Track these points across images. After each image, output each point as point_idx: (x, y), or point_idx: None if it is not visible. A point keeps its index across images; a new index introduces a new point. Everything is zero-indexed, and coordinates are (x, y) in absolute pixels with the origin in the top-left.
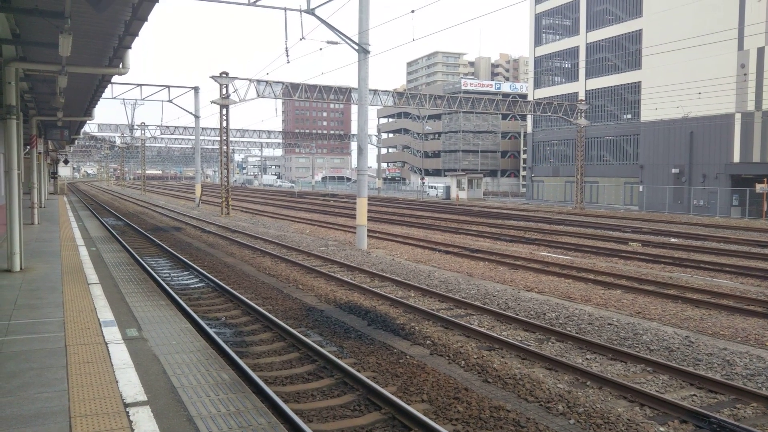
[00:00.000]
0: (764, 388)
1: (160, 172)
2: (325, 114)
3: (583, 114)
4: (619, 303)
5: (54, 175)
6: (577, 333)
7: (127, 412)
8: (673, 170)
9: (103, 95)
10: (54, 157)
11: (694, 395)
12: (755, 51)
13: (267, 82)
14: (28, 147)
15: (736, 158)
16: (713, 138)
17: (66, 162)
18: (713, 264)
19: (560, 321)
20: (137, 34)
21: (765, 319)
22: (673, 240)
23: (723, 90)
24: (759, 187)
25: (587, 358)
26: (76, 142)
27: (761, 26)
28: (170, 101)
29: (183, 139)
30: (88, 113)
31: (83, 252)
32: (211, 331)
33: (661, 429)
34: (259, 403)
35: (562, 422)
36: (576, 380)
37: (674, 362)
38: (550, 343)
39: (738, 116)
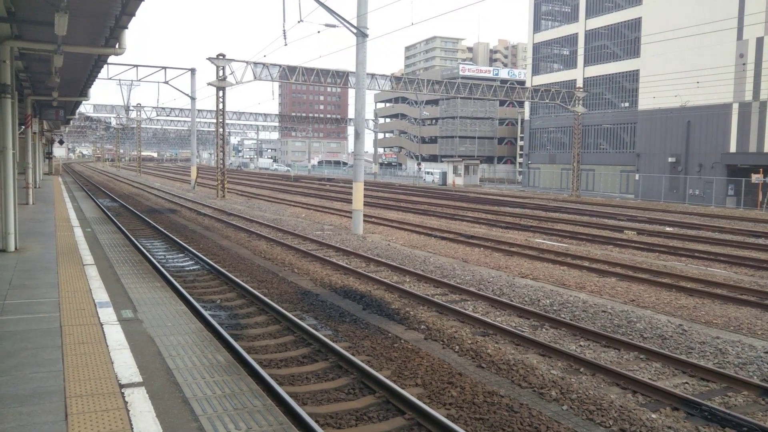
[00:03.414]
0: (755, 377)
1: (156, 154)
2: (322, 98)
3: (580, 101)
4: (614, 290)
5: (49, 155)
6: (571, 320)
7: (123, 393)
8: (670, 159)
9: (99, 76)
10: (49, 138)
11: (687, 383)
12: (754, 41)
13: (264, 64)
14: (23, 127)
15: (733, 148)
16: (710, 127)
17: (61, 142)
18: (708, 253)
19: (554, 308)
20: (134, 14)
21: (758, 308)
22: (668, 229)
23: (721, 80)
24: (755, 177)
25: (581, 345)
26: (71, 122)
27: (761, 16)
28: (166, 83)
29: (179, 120)
30: (83, 93)
31: (78, 233)
32: (206, 314)
33: (653, 416)
34: (255, 385)
35: (555, 408)
36: (569, 367)
37: (667, 350)
38: (544, 330)
39: (735, 106)
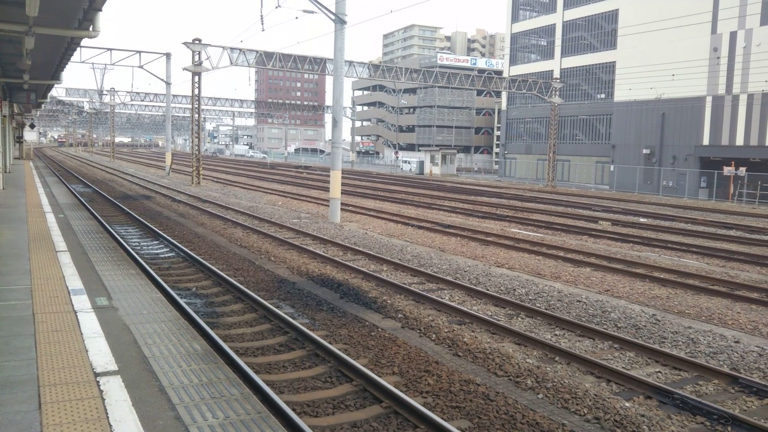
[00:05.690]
0: (725, 366)
1: (130, 139)
2: (299, 84)
3: (557, 92)
4: (588, 280)
5: (19, 139)
6: (546, 309)
7: (98, 382)
8: (644, 151)
9: (72, 59)
10: (20, 121)
11: (659, 372)
12: (728, 35)
13: (241, 50)
14: None
15: (706, 141)
16: (684, 120)
17: (32, 126)
18: (680, 244)
19: (530, 297)
20: None
21: (728, 298)
22: (642, 220)
23: (695, 73)
24: (726, 170)
25: (556, 334)
26: (42, 106)
27: (734, 11)
28: (141, 67)
29: (153, 106)
30: (55, 77)
31: (51, 219)
32: (182, 302)
33: (627, 404)
34: (232, 374)
35: (530, 396)
36: (545, 355)
37: (641, 339)
38: (519, 319)
39: (709, 99)
